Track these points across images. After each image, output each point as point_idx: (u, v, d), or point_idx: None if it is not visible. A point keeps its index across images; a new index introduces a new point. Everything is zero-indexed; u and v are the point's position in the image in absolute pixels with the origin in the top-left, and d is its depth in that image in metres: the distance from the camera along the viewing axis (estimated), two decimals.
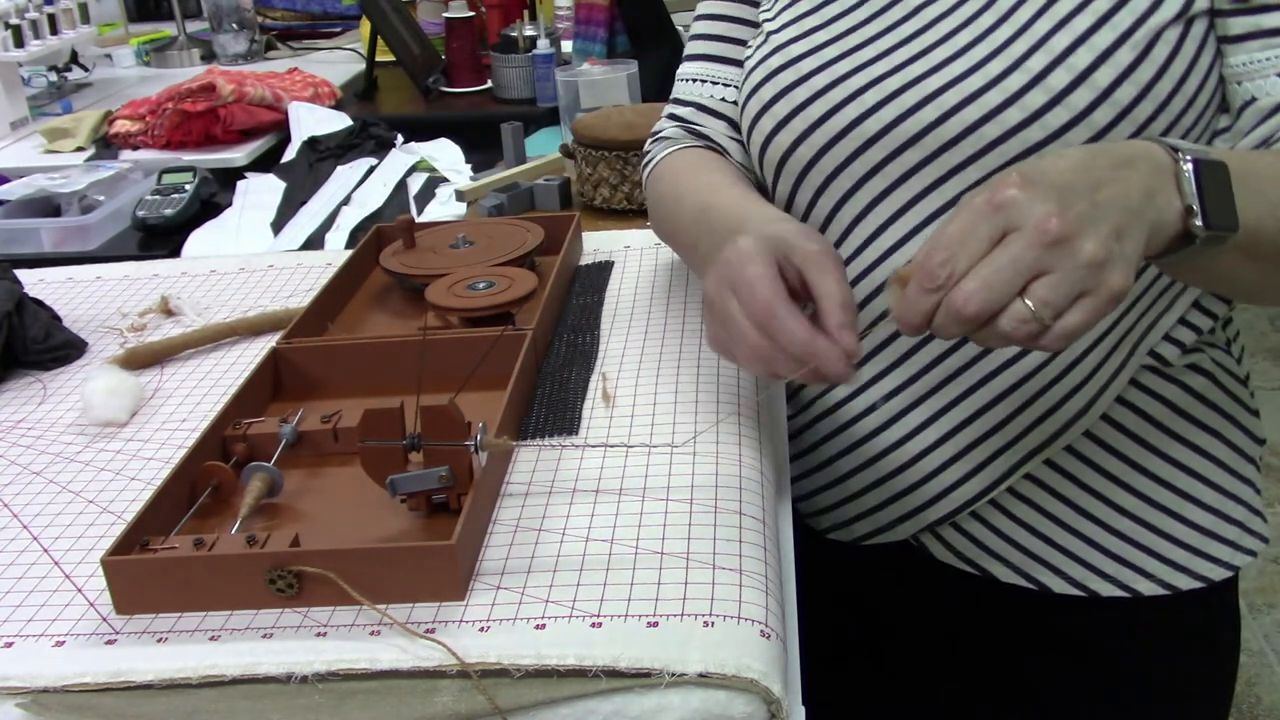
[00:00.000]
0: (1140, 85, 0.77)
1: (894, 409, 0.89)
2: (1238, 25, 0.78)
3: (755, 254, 0.71)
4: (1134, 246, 0.61)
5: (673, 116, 1.03)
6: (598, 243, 1.19)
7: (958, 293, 0.60)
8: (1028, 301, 0.59)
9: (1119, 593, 0.90)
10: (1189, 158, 0.64)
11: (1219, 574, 0.90)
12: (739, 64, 0.97)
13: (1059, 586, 0.91)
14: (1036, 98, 0.78)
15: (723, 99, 0.99)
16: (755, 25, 0.96)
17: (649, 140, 1.05)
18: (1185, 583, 0.90)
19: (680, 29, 1.89)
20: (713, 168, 0.94)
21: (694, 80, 1.01)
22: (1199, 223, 0.63)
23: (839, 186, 0.87)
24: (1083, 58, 0.77)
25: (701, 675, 0.59)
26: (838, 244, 0.89)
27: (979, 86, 0.79)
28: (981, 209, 0.61)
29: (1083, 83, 0.77)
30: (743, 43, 0.98)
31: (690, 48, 1.03)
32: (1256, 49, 0.78)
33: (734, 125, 0.98)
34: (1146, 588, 0.90)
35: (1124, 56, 0.77)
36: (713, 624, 0.62)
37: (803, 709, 0.61)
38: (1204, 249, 0.65)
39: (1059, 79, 0.77)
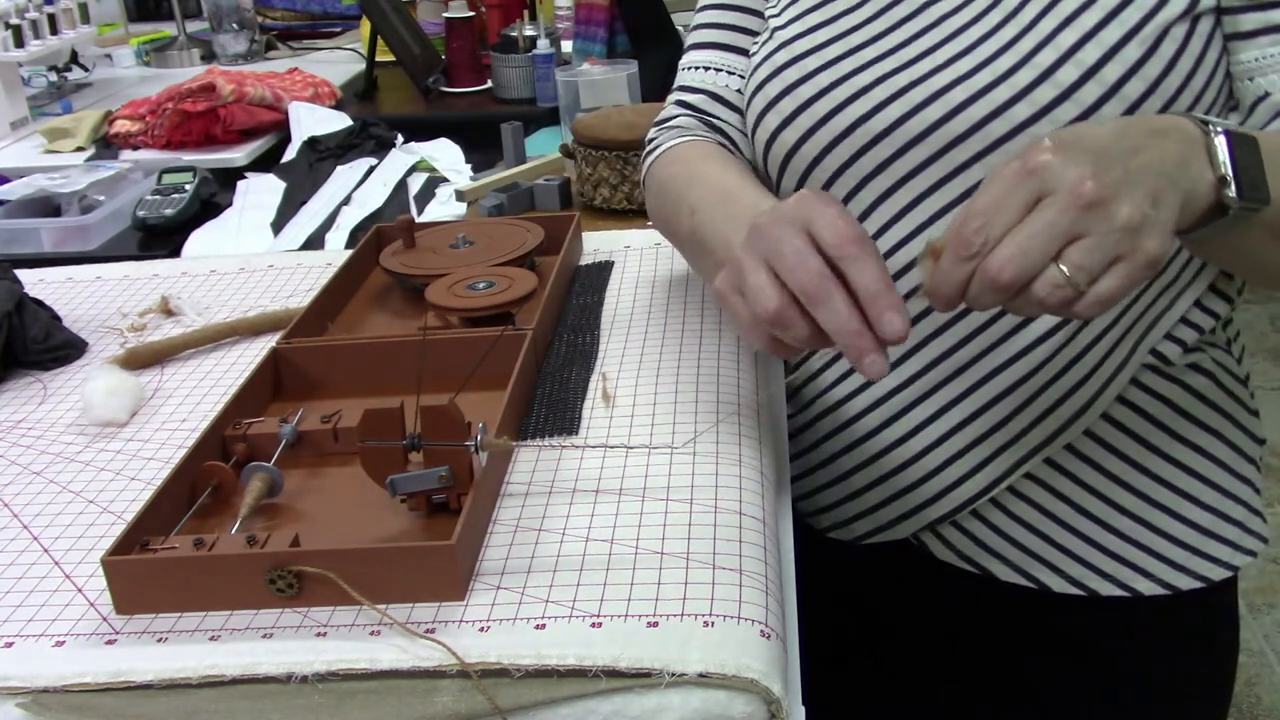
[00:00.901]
0: (1148, 81, 0.77)
1: (895, 406, 0.89)
2: (1249, 21, 0.78)
3: (830, 198, 0.67)
4: (1169, 213, 0.60)
5: (683, 104, 1.01)
6: (598, 243, 1.19)
7: (993, 259, 0.59)
8: (1062, 267, 0.58)
9: (1118, 592, 0.90)
10: (1220, 130, 0.64)
11: (1218, 574, 0.90)
12: (748, 54, 0.97)
13: (1058, 585, 0.90)
14: (1045, 93, 0.78)
15: (738, 90, 0.98)
16: (762, 16, 0.96)
17: (654, 127, 1.03)
18: (1185, 582, 0.90)
19: (680, 29, 1.88)
20: (730, 163, 0.92)
21: (704, 68, 0.99)
22: (1232, 193, 0.63)
23: (843, 185, 0.87)
24: (1091, 53, 0.77)
25: (701, 675, 0.59)
26: None
27: (987, 83, 0.79)
28: (1015, 174, 0.60)
29: (1091, 78, 0.77)
30: (752, 33, 0.97)
31: (696, 36, 1.01)
32: (1268, 44, 0.78)
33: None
34: (1146, 587, 0.90)
35: (1132, 52, 0.77)
36: (713, 624, 0.62)
37: (803, 709, 0.61)
38: (1235, 223, 0.64)
39: (1067, 74, 0.77)
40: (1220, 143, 0.63)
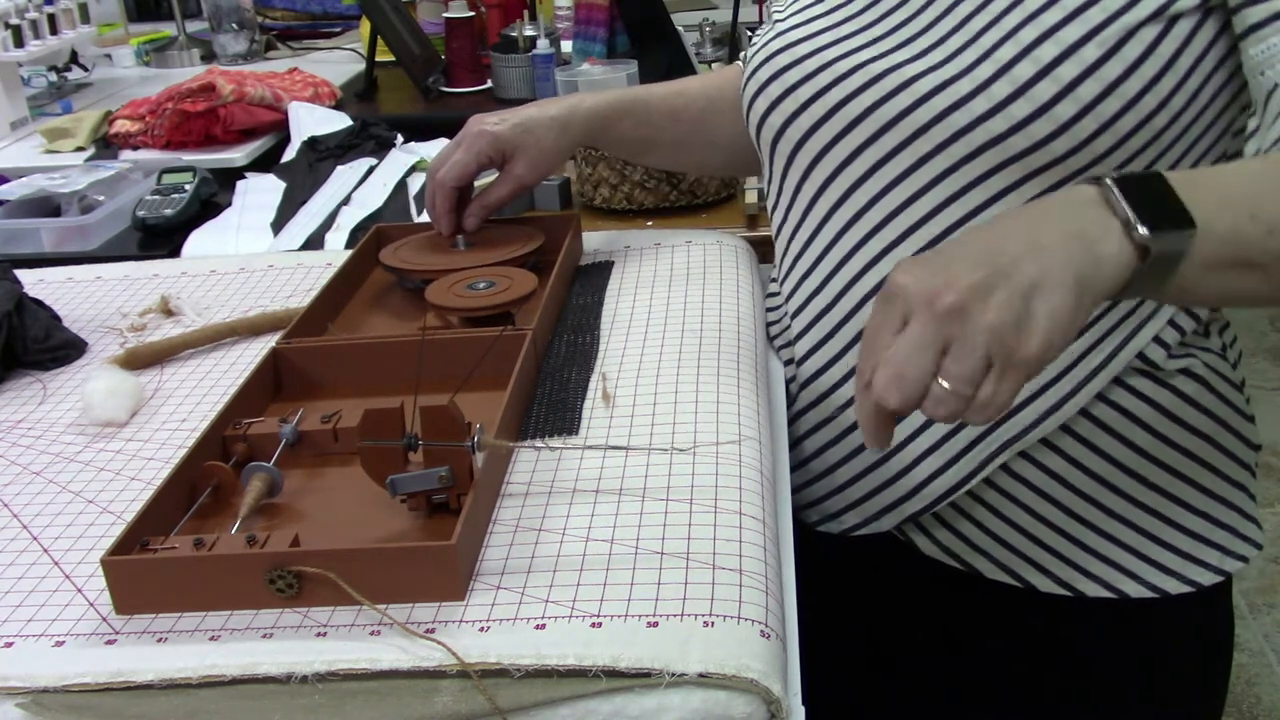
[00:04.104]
0: (1104, 82, 0.76)
1: None
2: (1255, 14, 0.75)
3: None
4: (1058, 302, 0.59)
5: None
6: (598, 243, 1.19)
7: (875, 387, 0.60)
8: (943, 382, 0.59)
9: (1105, 593, 0.90)
10: (1111, 178, 0.63)
11: (1208, 578, 0.90)
12: None
13: (1044, 585, 0.90)
14: (1002, 89, 0.78)
15: None
16: None
17: None
18: (1173, 586, 0.90)
19: (680, 29, 1.88)
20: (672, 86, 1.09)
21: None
22: (1142, 230, 0.61)
23: (822, 171, 0.89)
24: (1048, 51, 0.77)
25: (701, 675, 0.59)
26: (820, 227, 0.90)
27: (951, 75, 0.80)
28: (880, 301, 0.61)
29: (1046, 76, 0.77)
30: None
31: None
32: (1271, 34, 0.75)
33: None
34: (1133, 589, 0.89)
35: (1090, 53, 0.76)
36: (713, 624, 0.62)
37: (803, 709, 0.61)
38: (1167, 264, 0.62)
39: (1024, 71, 0.77)
40: (1114, 187, 0.62)
